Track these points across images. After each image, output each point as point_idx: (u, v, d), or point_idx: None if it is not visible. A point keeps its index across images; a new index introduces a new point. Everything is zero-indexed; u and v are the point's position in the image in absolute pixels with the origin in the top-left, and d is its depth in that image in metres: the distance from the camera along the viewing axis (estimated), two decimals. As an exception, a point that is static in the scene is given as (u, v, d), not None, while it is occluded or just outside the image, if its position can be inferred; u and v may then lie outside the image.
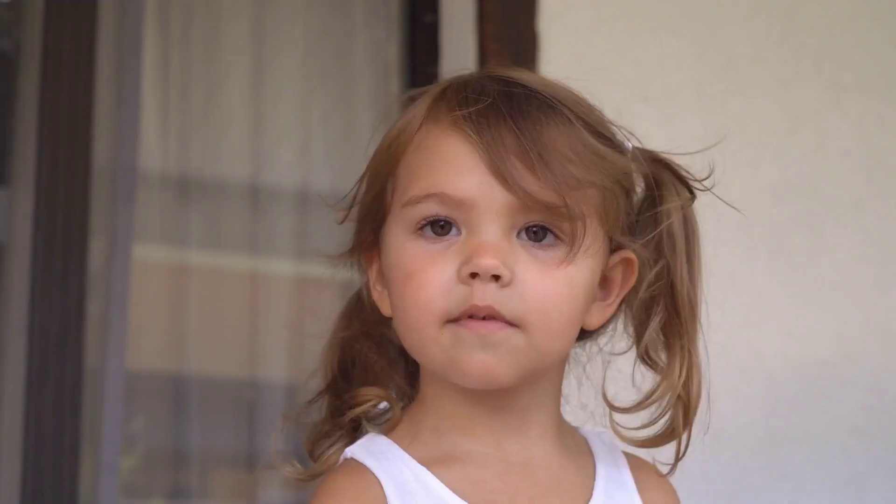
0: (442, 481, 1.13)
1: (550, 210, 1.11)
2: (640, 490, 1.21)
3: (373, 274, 1.22)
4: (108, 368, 2.28)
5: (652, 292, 1.18)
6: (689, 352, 1.18)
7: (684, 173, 1.22)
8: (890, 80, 2.70)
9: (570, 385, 1.25)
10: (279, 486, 2.61)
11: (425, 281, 1.12)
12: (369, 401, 1.20)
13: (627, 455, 1.24)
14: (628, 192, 1.18)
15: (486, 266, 1.10)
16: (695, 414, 1.19)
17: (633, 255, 1.18)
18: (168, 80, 2.58)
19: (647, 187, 1.21)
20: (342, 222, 1.23)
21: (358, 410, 1.20)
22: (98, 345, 2.27)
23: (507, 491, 1.14)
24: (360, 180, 1.21)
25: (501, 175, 1.11)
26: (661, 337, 1.19)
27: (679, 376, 1.17)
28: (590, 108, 1.18)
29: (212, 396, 2.56)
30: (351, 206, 1.23)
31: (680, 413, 1.17)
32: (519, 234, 1.13)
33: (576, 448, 1.21)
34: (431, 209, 1.13)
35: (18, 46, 2.39)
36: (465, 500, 1.12)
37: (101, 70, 2.35)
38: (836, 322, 2.54)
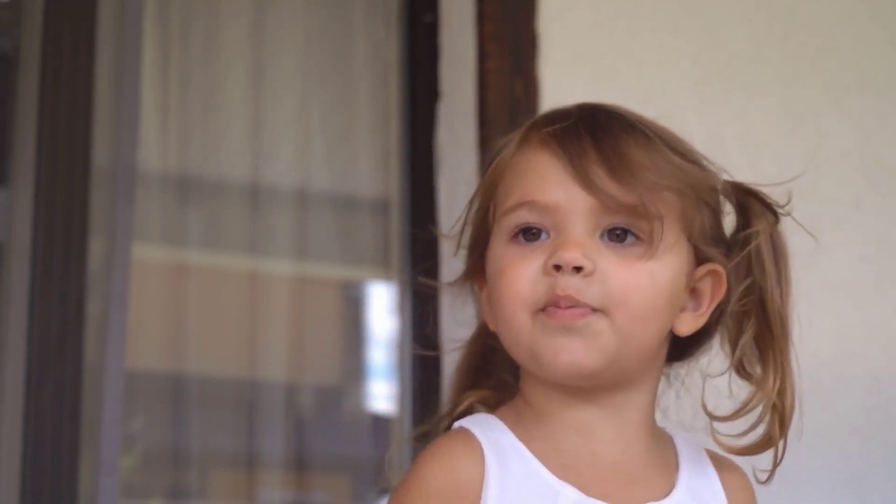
0: (536, 456, 1.24)
1: (629, 210, 1.23)
2: (724, 484, 1.32)
3: (484, 296, 1.34)
4: (107, 368, 2.28)
5: (743, 307, 1.30)
6: (782, 363, 1.29)
7: (768, 199, 1.34)
8: (890, 80, 2.70)
9: (668, 398, 1.37)
10: (279, 486, 2.61)
11: (515, 275, 1.24)
12: (469, 398, 1.36)
13: (711, 454, 1.33)
14: (713, 208, 1.30)
15: (568, 258, 1.21)
16: (790, 422, 1.29)
17: (720, 268, 1.29)
18: (168, 79, 2.58)
19: (737, 213, 1.33)
20: (456, 254, 1.37)
21: (460, 409, 1.35)
22: (97, 344, 2.27)
23: (596, 478, 1.25)
24: (469, 208, 1.36)
25: (583, 181, 1.23)
26: (755, 350, 1.30)
27: (773, 386, 1.28)
28: (674, 135, 1.31)
29: (211, 396, 2.56)
30: (461, 235, 1.36)
31: (776, 421, 1.28)
32: (602, 235, 1.24)
33: (663, 445, 1.31)
34: (523, 217, 1.26)
35: (18, 46, 2.39)
36: (556, 476, 1.23)
37: (101, 70, 2.35)
38: (836, 322, 2.54)
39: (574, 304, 1.21)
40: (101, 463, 2.25)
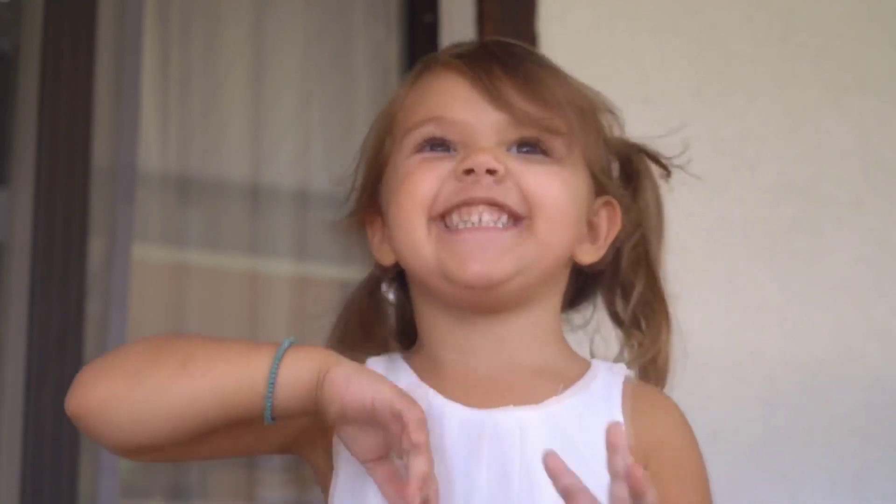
0: (430, 385, 1.21)
1: (538, 124, 1.23)
2: (634, 416, 1.21)
3: (374, 231, 1.31)
4: (107, 368, 2.27)
5: (632, 258, 1.31)
6: (667, 316, 1.31)
7: (654, 152, 1.35)
8: (890, 80, 2.70)
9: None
10: (279, 486, 2.61)
11: (420, 178, 1.22)
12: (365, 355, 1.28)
13: (637, 387, 1.26)
14: (605, 137, 1.30)
15: (481, 161, 1.20)
16: (666, 378, 1.29)
17: (614, 200, 1.29)
18: (168, 80, 2.58)
19: (624, 167, 1.34)
20: (349, 197, 1.33)
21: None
22: (97, 345, 2.27)
23: (469, 389, 1.21)
24: (361, 152, 1.32)
25: (492, 96, 1.23)
26: (642, 304, 1.31)
27: (665, 337, 1.29)
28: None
29: (211, 396, 2.55)
30: (353, 184, 1.32)
31: (651, 375, 1.28)
32: (510, 150, 1.23)
33: (567, 367, 1.26)
34: (430, 131, 1.24)
35: (18, 46, 2.39)
36: (443, 397, 1.20)
37: (101, 70, 2.35)
38: (835, 322, 2.54)
39: (494, 202, 1.19)
40: (102, 463, 2.25)
